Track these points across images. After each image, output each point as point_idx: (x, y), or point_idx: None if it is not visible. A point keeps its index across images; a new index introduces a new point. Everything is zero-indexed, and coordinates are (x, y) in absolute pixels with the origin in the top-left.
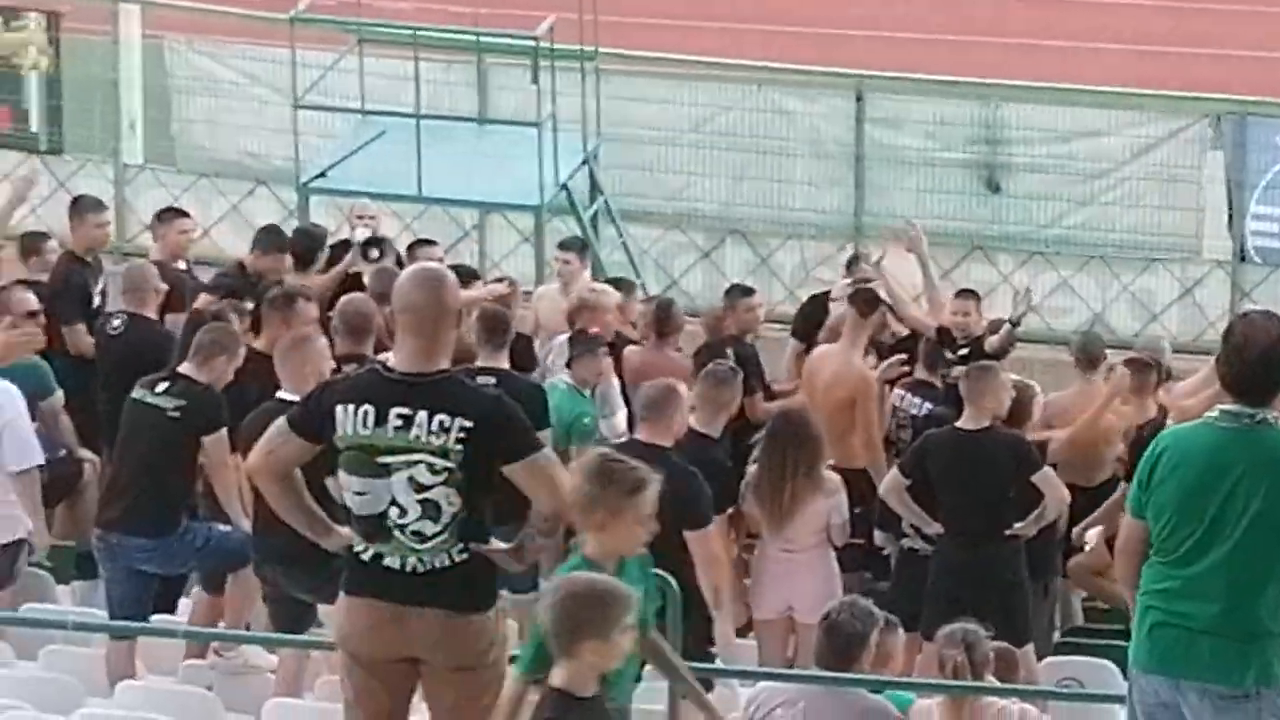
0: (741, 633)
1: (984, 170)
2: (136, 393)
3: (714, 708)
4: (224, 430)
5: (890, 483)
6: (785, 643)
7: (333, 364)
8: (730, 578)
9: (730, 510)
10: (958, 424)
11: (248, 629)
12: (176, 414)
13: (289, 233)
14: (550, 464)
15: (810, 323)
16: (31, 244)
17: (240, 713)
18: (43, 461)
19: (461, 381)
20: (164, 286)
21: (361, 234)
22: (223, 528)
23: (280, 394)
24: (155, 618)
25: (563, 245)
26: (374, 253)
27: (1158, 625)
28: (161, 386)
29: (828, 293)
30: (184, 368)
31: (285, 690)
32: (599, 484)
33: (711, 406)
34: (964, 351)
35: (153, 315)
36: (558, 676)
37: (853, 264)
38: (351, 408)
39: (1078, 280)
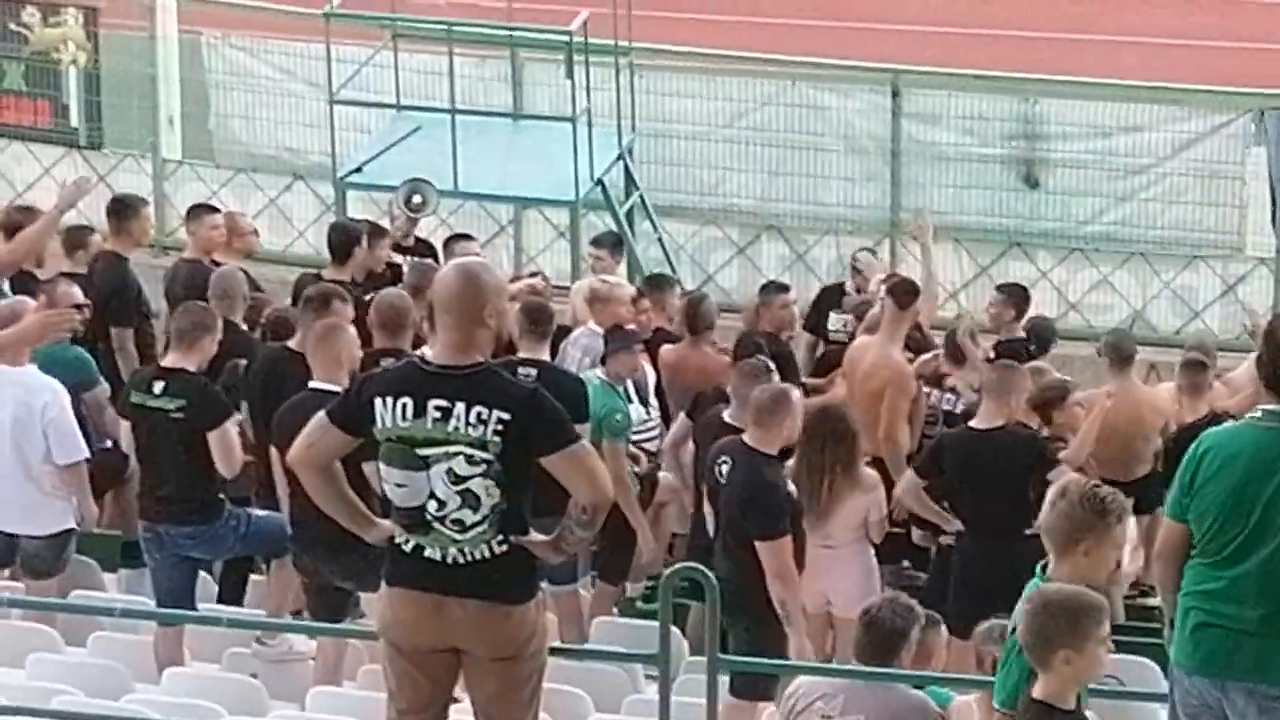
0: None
1: (1022, 166)
2: (136, 396)
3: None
4: (228, 422)
5: (907, 484)
6: (824, 637)
7: (361, 353)
8: (798, 591)
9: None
10: (972, 423)
11: (299, 616)
12: (180, 414)
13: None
14: (588, 455)
15: (820, 313)
16: (76, 238)
17: (285, 700)
18: (88, 454)
19: (498, 373)
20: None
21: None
22: (262, 513)
23: (312, 384)
24: (221, 605)
25: (595, 241)
26: (416, 199)
27: (1201, 626)
28: (158, 387)
29: (840, 285)
30: (171, 360)
31: (324, 678)
32: (1092, 512)
33: (745, 402)
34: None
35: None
36: (1038, 689)
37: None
38: (390, 400)
39: (1118, 277)
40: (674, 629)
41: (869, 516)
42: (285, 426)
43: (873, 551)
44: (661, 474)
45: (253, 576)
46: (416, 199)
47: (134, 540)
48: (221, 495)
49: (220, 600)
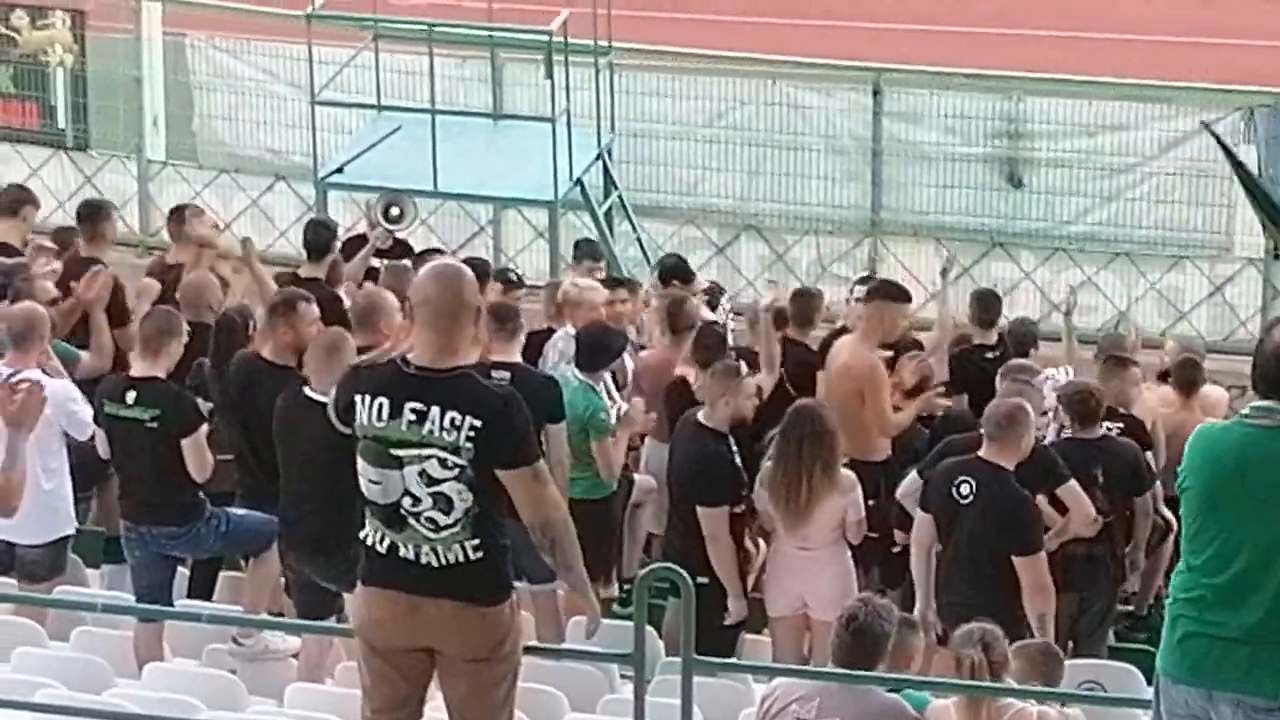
0: (756, 629)
1: (1006, 165)
2: (109, 406)
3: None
4: (201, 428)
5: (908, 486)
6: (801, 639)
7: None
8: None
9: (741, 508)
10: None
11: (280, 614)
12: (154, 424)
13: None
14: (539, 478)
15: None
16: (65, 238)
17: (264, 696)
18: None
19: (476, 380)
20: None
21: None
22: (242, 512)
23: (310, 393)
24: (190, 601)
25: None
26: (394, 211)
27: (1189, 636)
28: (130, 397)
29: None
30: (140, 368)
31: (307, 675)
32: None
33: (713, 400)
34: (995, 354)
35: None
36: None
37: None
38: (369, 399)
39: (1102, 277)
40: (650, 629)
41: (847, 517)
42: (285, 434)
43: (850, 554)
44: (638, 475)
45: (223, 572)
46: (394, 211)
47: (117, 536)
48: (201, 495)
49: (190, 594)
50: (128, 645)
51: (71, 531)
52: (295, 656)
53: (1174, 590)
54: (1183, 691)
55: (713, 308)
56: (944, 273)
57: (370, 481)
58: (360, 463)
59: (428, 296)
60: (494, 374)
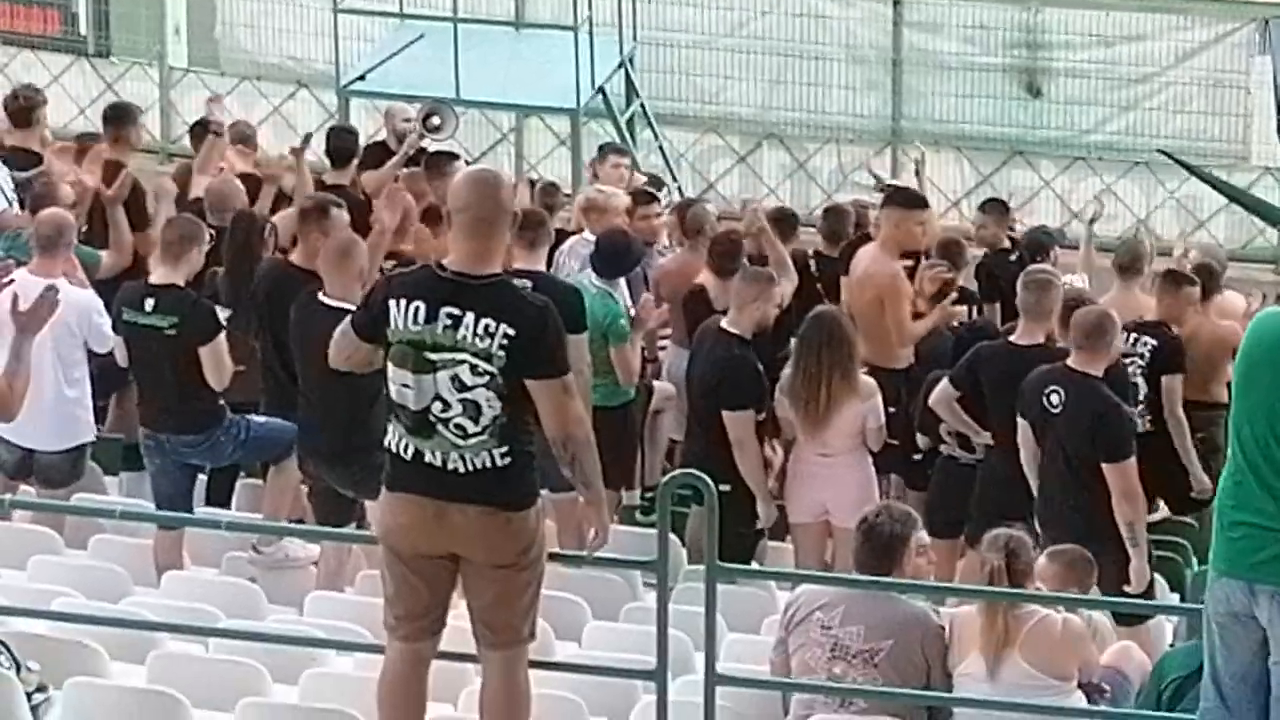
0: (778, 536)
1: (1024, 75)
2: (128, 314)
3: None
4: (219, 337)
5: (940, 393)
6: (822, 546)
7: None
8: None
9: (762, 414)
10: (1012, 337)
11: (300, 521)
12: (174, 332)
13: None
14: (568, 390)
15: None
16: (86, 145)
17: (283, 605)
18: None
19: (512, 287)
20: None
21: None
22: (262, 419)
23: (325, 298)
24: (209, 509)
25: (610, 149)
26: (434, 120)
27: (1230, 525)
28: (149, 304)
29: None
30: (159, 275)
31: (326, 584)
32: None
33: (740, 304)
34: (1015, 257)
35: None
36: None
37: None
38: (404, 303)
39: (1121, 186)
40: (672, 537)
41: (867, 424)
42: (301, 340)
43: (870, 460)
44: (658, 382)
45: (241, 479)
46: (434, 120)
47: (135, 444)
48: (221, 403)
49: (208, 502)
50: (145, 553)
51: (91, 439)
52: (315, 564)
53: (1222, 481)
54: (1225, 585)
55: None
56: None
57: (403, 386)
58: (391, 368)
59: (466, 203)
60: (515, 282)
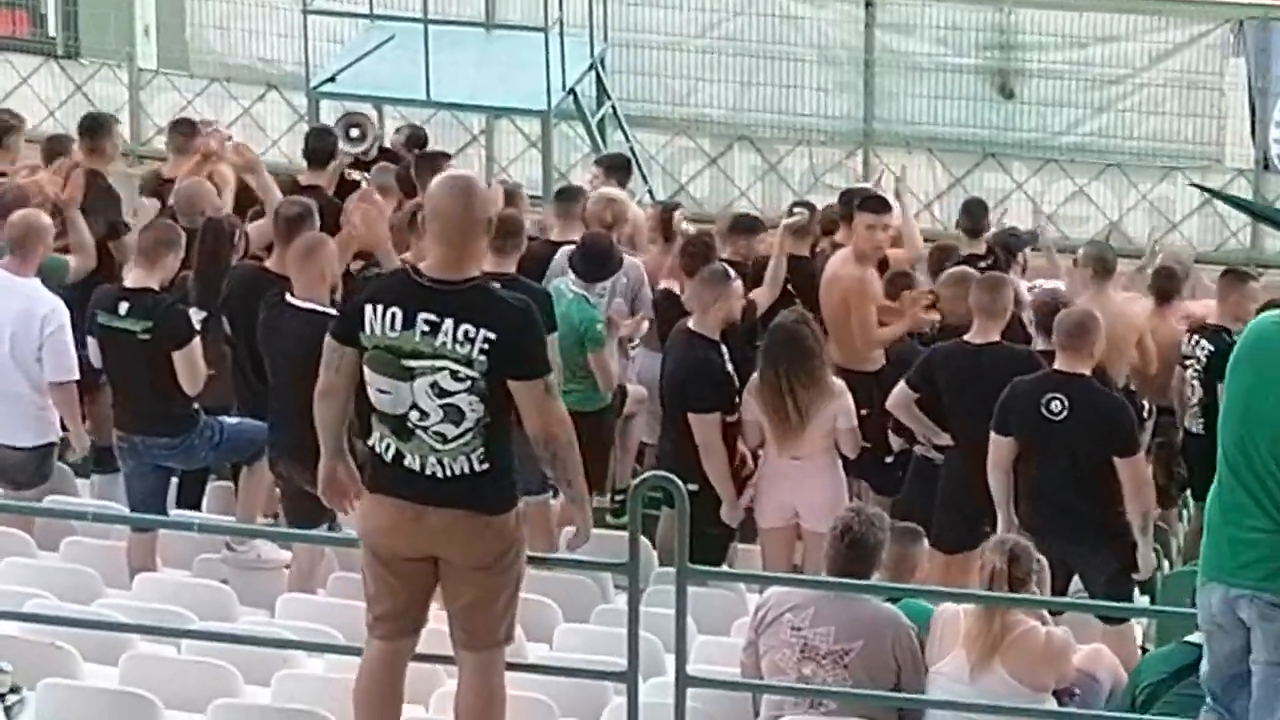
0: (748, 539)
1: (997, 76)
2: (102, 317)
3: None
4: (193, 341)
5: (898, 395)
6: (791, 550)
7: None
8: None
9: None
10: (966, 337)
11: (275, 519)
12: (147, 336)
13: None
14: (550, 391)
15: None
16: (57, 146)
17: (254, 607)
18: (78, 376)
19: (490, 291)
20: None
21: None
22: (235, 421)
23: (291, 299)
24: (180, 511)
25: (598, 161)
26: (354, 132)
27: (1215, 529)
28: (123, 308)
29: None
30: (134, 278)
31: (299, 585)
32: None
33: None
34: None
35: None
36: None
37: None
38: (380, 308)
39: (1094, 188)
40: (643, 539)
41: (838, 425)
42: (269, 340)
43: (840, 464)
44: (630, 385)
45: (212, 481)
46: (354, 131)
47: (107, 446)
48: (194, 406)
49: (179, 504)
50: (117, 555)
51: (55, 440)
52: (287, 568)
53: (1213, 488)
54: (1209, 591)
55: None
56: (898, 194)
57: (379, 391)
58: (368, 372)
59: (440, 209)
60: (492, 284)
